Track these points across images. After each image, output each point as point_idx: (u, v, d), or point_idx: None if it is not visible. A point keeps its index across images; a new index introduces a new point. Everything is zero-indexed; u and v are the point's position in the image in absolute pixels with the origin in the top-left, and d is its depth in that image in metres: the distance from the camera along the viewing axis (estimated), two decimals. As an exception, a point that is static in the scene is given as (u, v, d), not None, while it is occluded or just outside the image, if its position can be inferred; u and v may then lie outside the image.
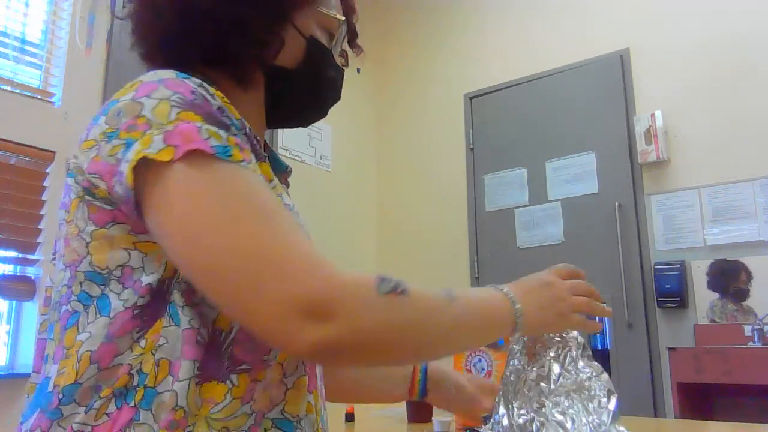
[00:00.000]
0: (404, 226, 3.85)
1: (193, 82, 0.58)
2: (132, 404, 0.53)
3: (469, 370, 1.25)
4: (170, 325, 0.55)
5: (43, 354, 0.61)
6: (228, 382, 0.56)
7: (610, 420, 0.65)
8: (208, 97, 0.58)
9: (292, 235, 0.52)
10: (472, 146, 3.65)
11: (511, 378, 0.72)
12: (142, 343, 0.55)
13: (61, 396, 0.53)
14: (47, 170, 2.34)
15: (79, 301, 0.57)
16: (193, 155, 0.52)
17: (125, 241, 0.56)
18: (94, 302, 0.56)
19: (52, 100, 2.43)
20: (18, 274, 2.26)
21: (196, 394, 0.54)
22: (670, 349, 2.56)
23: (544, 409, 0.66)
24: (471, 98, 3.70)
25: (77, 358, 0.54)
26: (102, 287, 0.56)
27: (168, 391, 0.54)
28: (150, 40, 0.70)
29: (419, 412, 1.39)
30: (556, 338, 0.72)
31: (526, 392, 0.69)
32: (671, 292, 2.78)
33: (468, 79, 3.73)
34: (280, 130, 3.31)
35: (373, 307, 0.52)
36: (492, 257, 3.44)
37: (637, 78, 3.12)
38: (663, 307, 2.83)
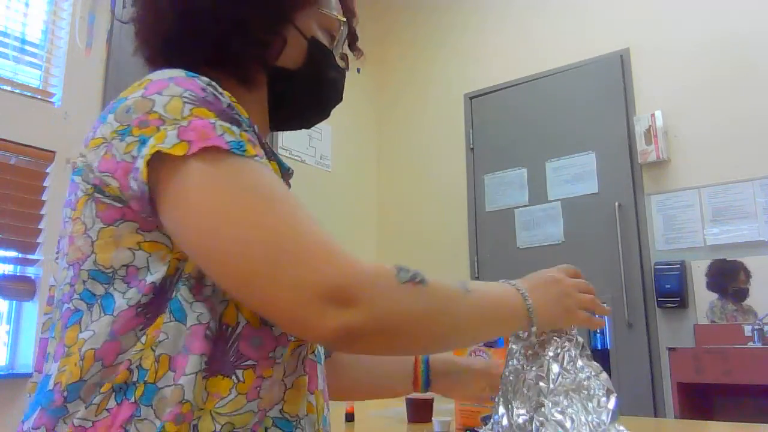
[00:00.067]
0: (404, 226, 3.85)
1: (202, 81, 0.59)
2: (132, 400, 0.53)
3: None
4: (171, 321, 0.55)
5: (45, 353, 0.61)
6: (233, 377, 0.56)
7: (609, 419, 0.65)
8: (218, 95, 0.59)
9: (310, 225, 0.53)
10: (472, 146, 3.65)
11: (511, 378, 0.72)
12: (143, 339, 0.55)
13: (66, 394, 0.54)
14: (47, 170, 2.34)
15: (82, 299, 0.57)
16: (209, 151, 0.53)
17: (131, 240, 0.57)
18: (99, 301, 0.56)
19: (52, 100, 2.43)
20: (18, 274, 2.27)
21: (203, 388, 0.54)
22: (670, 349, 2.56)
23: (543, 409, 0.66)
24: (471, 98, 3.70)
25: (80, 356, 0.54)
26: (106, 286, 0.56)
27: (169, 386, 0.54)
28: (153, 43, 0.71)
29: (419, 412, 1.39)
30: (555, 338, 0.72)
31: (526, 392, 0.69)
32: (671, 292, 2.78)
33: (468, 79, 3.73)
34: (280, 130, 3.31)
35: (394, 294, 0.53)
36: (492, 257, 3.44)
37: (637, 78, 3.12)
38: (663, 307, 2.83)
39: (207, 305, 0.56)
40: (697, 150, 2.90)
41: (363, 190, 3.96)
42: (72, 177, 0.62)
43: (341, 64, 0.79)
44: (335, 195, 3.66)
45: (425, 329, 0.56)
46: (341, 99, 0.80)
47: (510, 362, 0.74)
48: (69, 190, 0.62)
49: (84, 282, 0.57)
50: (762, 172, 2.71)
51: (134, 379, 0.54)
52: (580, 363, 0.70)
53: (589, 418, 0.65)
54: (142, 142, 0.54)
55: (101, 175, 0.57)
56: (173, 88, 0.57)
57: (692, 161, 2.90)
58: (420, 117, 3.93)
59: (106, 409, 0.53)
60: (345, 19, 0.77)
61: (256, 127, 0.62)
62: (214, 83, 0.60)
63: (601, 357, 2.95)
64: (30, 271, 2.28)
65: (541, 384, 0.68)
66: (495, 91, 3.61)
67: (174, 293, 0.56)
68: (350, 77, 0.83)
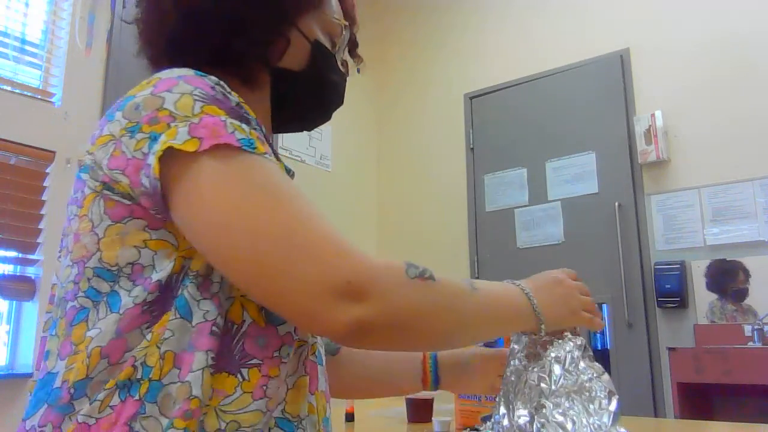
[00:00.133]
0: (404, 226, 3.85)
1: (211, 80, 0.59)
2: (137, 397, 0.53)
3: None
4: (176, 318, 0.55)
5: (45, 351, 0.60)
6: (239, 375, 0.57)
7: (610, 421, 0.65)
8: (227, 94, 0.59)
9: (320, 221, 0.54)
10: (472, 146, 3.65)
11: (512, 378, 0.72)
12: (149, 336, 0.55)
13: (72, 391, 0.54)
14: (47, 170, 2.34)
15: (88, 297, 0.57)
16: (220, 148, 0.54)
17: (137, 238, 0.57)
18: (104, 299, 0.56)
19: (52, 100, 2.43)
20: (18, 274, 2.26)
21: (210, 385, 0.55)
22: (670, 349, 2.56)
23: (544, 410, 0.66)
24: (471, 98, 3.70)
25: (87, 353, 0.54)
26: (111, 284, 0.57)
27: (174, 383, 0.54)
28: (157, 43, 0.71)
29: (419, 412, 1.39)
30: (557, 339, 0.72)
31: (527, 393, 0.68)
32: (671, 292, 2.78)
33: (468, 79, 3.73)
34: (280, 130, 3.31)
35: (404, 289, 0.54)
36: (492, 257, 3.44)
37: (637, 78, 3.12)
38: (663, 307, 2.83)
39: (214, 302, 0.57)
40: (697, 150, 2.90)
41: (363, 190, 3.95)
42: (78, 174, 0.62)
43: (342, 68, 0.80)
44: (335, 195, 3.66)
45: (433, 324, 0.57)
46: (342, 102, 0.81)
47: (512, 362, 0.73)
48: (74, 187, 0.62)
49: (89, 280, 0.57)
50: (762, 172, 2.71)
51: (138, 376, 0.54)
52: (582, 364, 0.69)
53: (591, 420, 0.65)
54: (153, 138, 0.55)
55: (111, 172, 0.57)
56: (183, 86, 0.57)
57: (692, 161, 2.90)
58: (420, 117, 3.93)
59: (110, 406, 0.53)
60: (347, 23, 0.78)
61: (263, 127, 0.63)
62: (222, 82, 0.60)
63: (601, 357, 2.95)
64: (30, 271, 2.28)
65: (543, 385, 0.68)
66: (495, 91, 3.61)
67: (180, 291, 0.56)
68: (350, 77, 0.84)
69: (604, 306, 3.04)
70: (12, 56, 2.34)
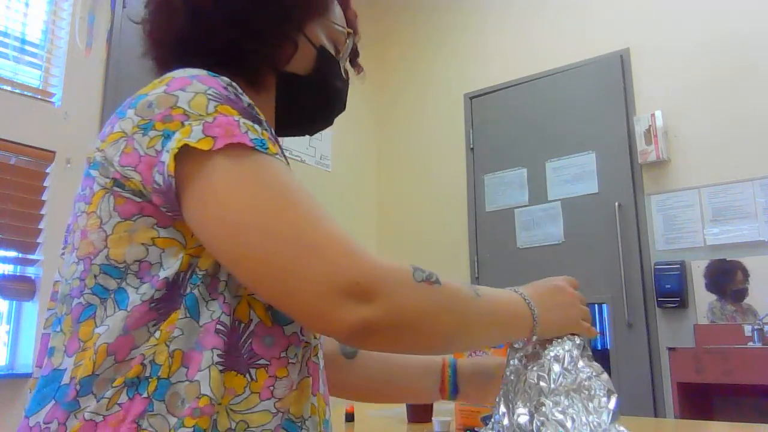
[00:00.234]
0: (404, 226, 3.85)
1: (223, 80, 0.60)
2: (145, 395, 0.53)
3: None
4: (185, 317, 0.56)
5: (47, 348, 0.60)
6: (247, 375, 0.57)
7: (610, 419, 0.65)
8: (240, 95, 0.60)
9: (329, 222, 0.54)
10: (472, 146, 3.65)
11: (512, 377, 0.72)
12: (157, 334, 0.55)
13: (78, 388, 0.54)
14: (47, 170, 2.34)
15: (94, 294, 0.57)
16: (233, 147, 0.54)
17: (145, 236, 0.57)
18: (112, 296, 0.56)
19: (52, 100, 2.43)
20: (18, 274, 2.27)
21: (221, 383, 0.55)
22: (670, 349, 2.56)
23: (544, 409, 0.66)
24: (471, 98, 3.70)
25: (94, 350, 0.54)
26: (119, 281, 0.57)
27: (182, 382, 0.54)
28: (165, 42, 0.72)
29: (419, 412, 1.39)
30: (557, 338, 0.72)
31: (527, 392, 0.69)
32: (671, 292, 2.78)
33: (468, 79, 3.73)
34: (280, 130, 3.32)
35: (411, 292, 0.54)
36: (492, 257, 3.44)
37: (637, 78, 3.12)
38: (663, 307, 2.83)
39: (220, 301, 0.57)
40: (697, 150, 2.90)
41: (363, 190, 3.96)
42: (87, 171, 0.62)
43: (345, 75, 0.81)
44: (335, 195, 3.66)
45: (437, 327, 0.57)
46: (344, 108, 0.83)
47: (511, 362, 0.74)
48: (82, 184, 0.62)
49: (95, 276, 0.57)
50: (762, 172, 2.71)
51: (147, 374, 0.54)
52: (581, 363, 0.70)
53: (590, 418, 0.65)
54: (166, 136, 0.55)
55: (123, 169, 0.57)
56: (197, 85, 0.58)
57: (692, 161, 2.91)
58: (420, 117, 3.93)
59: (118, 404, 0.53)
60: (352, 31, 0.80)
61: (271, 129, 0.64)
62: (234, 83, 0.61)
63: (601, 357, 2.95)
64: (30, 271, 2.28)
65: (542, 384, 0.68)
66: (495, 91, 3.61)
67: (188, 289, 0.56)
68: (350, 78, 0.84)
69: (604, 306, 3.04)
70: (12, 56, 2.34)
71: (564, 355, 0.70)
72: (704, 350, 2.44)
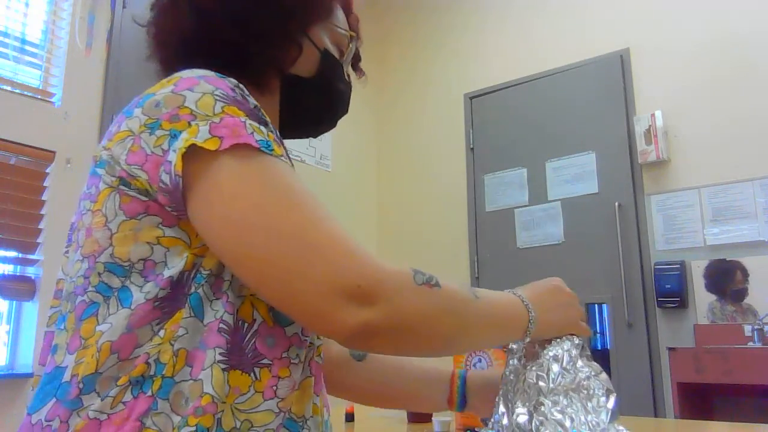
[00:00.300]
0: (404, 226, 3.85)
1: (231, 81, 0.60)
2: (149, 393, 0.54)
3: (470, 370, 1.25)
4: (190, 316, 0.56)
5: (51, 346, 0.61)
6: (252, 374, 0.57)
7: (608, 419, 0.65)
8: (246, 96, 0.60)
9: (333, 224, 0.55)
10: (472, 146, 3.65)
11: (511, 377, 0.72)
12: (161, 333, 0.55)
13: (81, 386, 0.54)
14: (47, 170, 2.34)
15: (98, 292, 0.57)
16: (239, 148, 0.55)
17: (150, 234, 0.57)
18: (115, 294, 0.57)
19: (52, 100, 2.43)
20: (18, 274, 2.27)
21: (225, 381, 0.55)
22: (670, 349, 2.56)
23: (543, 408, 0.66)
24: (471, 98, 3.70)
25: (97, 348, 0.54)
26: (123, 279, 0.57)
27: (186, 381, 0.54)
28: (170, 44, 0.72)
29: (419, 412, 1.39)
30: (556, 338, 0.72)
31: (526, 391, 0.69)
32: (671, 292, 2.78)
33: (468, 79, 3.73)
34: (280, 130, 3.33)
35: (411, 295, 0.55)
36: (492, 257, 3.44)
37: (637, 78, 3.12)
38: (663, 307, 2.83)
39: (224, 300, 0.57)
40: (697, 150, 2.90)
41: (363, 190, 3.96)
42: (93, 169, 0.62)
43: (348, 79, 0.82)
44: (335, 195, 3.66)
45: (436, 329, 0.58)
46: (347, 111, 0.83)
47: (510, 361, 0.74)
48: (88, 182, 0.63)
49: (99, 274, 0.57)
50: (762, 172, 2.71)
51: (151, 373, 0.54)
52: (580, 363, 0.70)
53: (589, 418, 0.65)
54: (173, 135, 0.56)
55: (129, 167, 0.57)
56: (204, 85, 0.58)
57: (692, 161, 2.91)
58: (420, 117, 3.93)
59: (122, 402, 0.53)
60: (355, 34, 0.81)
61: (277, 131, 0.64)
62: (241, 85, 0.61)
63: (601, 357, 2.95)
64: (30, 271, 2.28)
65: (541, 383, 0.68)
66: (495, 91, 3.61)
67: (193, 289, 0.57)
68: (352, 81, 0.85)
69: (604, 306, 3.04)
70: (12, 56, 2.34)
71: (563, 355, 0.70)
72: (704, 350, 2.44)
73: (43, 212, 2.30)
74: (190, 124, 0.55)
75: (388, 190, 4.00)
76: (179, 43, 0.71)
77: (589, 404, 0.67)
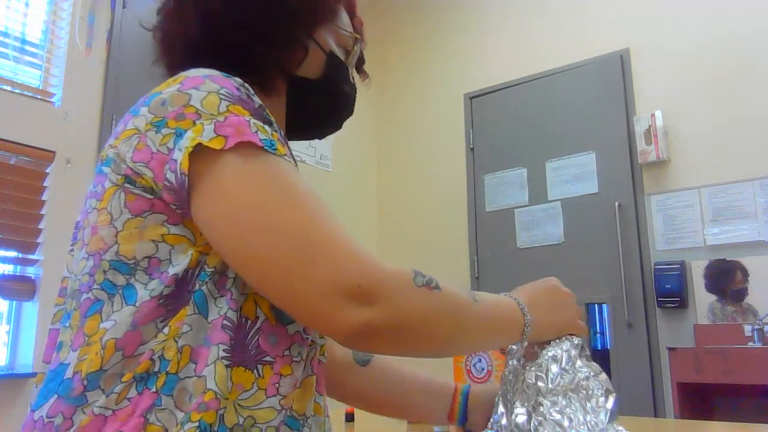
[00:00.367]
0: (404, 226, 3.85)
1: (236, 81, 0.61)
2: (153, 390, 0.54)
3: (469, 371, 1.25)
4: (194, 313, 0.56)
5: (55, 343, 0.61)
6: (255, 371, 0.57)
7: (608, 419, 0.65)
8: (251, 95, 0.61)
9: (335, 223, 0.55)
10: (472, 146, 3.65)
11: (510, 378, 0.72)
12: (166, 330, 0.56)
13: (86, 383, 0.54)
14: (47, 170, 2.34)
15: (103, 289, 0.57)
16: (243, 146, 0.55)
17: (155, 232, 0.58)
18: (120, 291, 0.57)
19: (52, 100, 2.43)
20: (18, 274, 2.27)
21: (227, 378, 0.55)
22: (670, 349, 2.56)
23: (541, 408, 0.67)
24: (471, 98, 3.70)
25: (101, 345, 0.55)
26: (127, 277, 0.57)
27: (190, 377, 0.55)
28: (176, 49, 0.73)
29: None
30: (555, 339, 0.72)
31: (525, 391, 0.69)
32: (671, 292, 2.78)
33: (468, 79, 3.73)
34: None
35: (411, 296, 0.55)
36: (492, 257, 3.44)
37: (637, 78, 3.12)
38: (663, 307, 2.83)
39: (228, 297, 0.57)
40: (697, 150, 2.90)
41: (363, 190, 3.96)
42: (100, 168, 0.63)
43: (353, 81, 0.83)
44: (335, 195, 3.66)
45: (436, 331, 0.58)
46: (352, 113, 0.84)
47: (510, 362, 0.74)
48: (94, 181, 0.63)
49: (105, 272, 0.58)
50: (762, 172, 2.71)
51: (156, 369, 0.55)
52: (579, 363, 0.70)
53: (588, 418, 0.65)
54: (179, 134, 0.56)
55: (135, 165, 0.58)
56: (210, 84, 0.59)
57: (692, 161, 2.90)
58: (420, 117, 3.93)
59: (127, 398, 0.54)
60: (360, 36, 0.81)
61: (281, 131, 0.65)
62: (246, 84, 0.62)
63: (601, 357, 2.95)
64: (30, 271, 2.28)
65: (540, 384, 0.68)
66: (495, 91, 3.61)
67: (197, 286, 0.57)
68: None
69: (604, 306, 3.04)
70: (12, 56, 2.34)
71: (562, 355, 0.70)
72: (704, 350, 2.44)
73: (43, 212, 2.30)
74: (195, 123, 0.56)
75: (388, 190, 4.00)
76: (185, 46, 0.71)
77: (588, 404, 0.67)
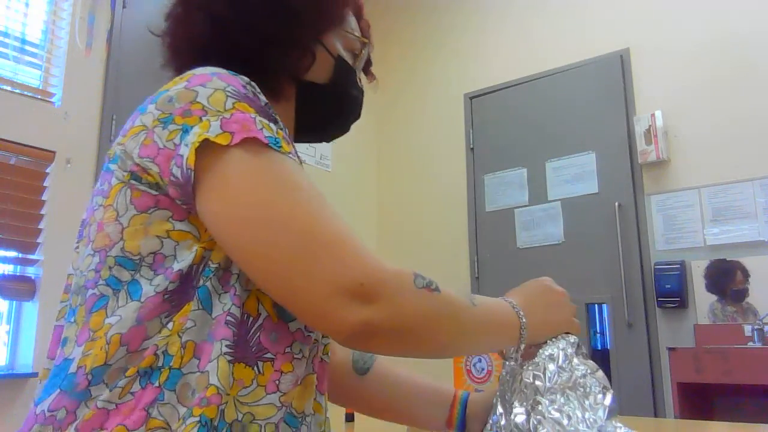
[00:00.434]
0: (404, 226, 3.85)
1: (242, 79, 0.62)
2: (156, 384, 0.54)
3: (470, 371, 1.25)
4: (198, 309, 0.56)
5: (60, 339, 0.61)
6: (255, 368, 0.58)
7: (606, 416, 0.66)
8: (258, 94, 0.62)
9: (338, 222, 0.56)
10: (472, 146, 3.65)
11: (508, 377, 0.72)
12: (170, 325, 0.56)
13: (90, 377, 0.54)
14: (47, 170, 2.34)
15: (108, 285, 0.58)
16: (249, 143, 0.56)
17: (160, 228, 0.58)
18: (125, 287, 0.57)
19: (52, 100, 2.43)
20: (18, 274, 2.27)
21: (229, 374, 0.55)
22: (670, 349, 2.56)
23: (540, 407, 0.67)
24: (471, 98, 3.70)
25: (106, 340, 0.55)
26: (132, 273, 0.58)
27: (193, 372, 0.55)
28: (184, 53, 0.73)
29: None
30: (551, 338, 0.72)
31: (523, 391, 0.69)
32: (671, 292, 2.78)
33: (468, 79, 3.73)
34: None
35: (412, 297, 0.55)
36: (492, 257, 3.44)
37: (637, 78, 3.12)
38: (663, 307, 2.83)
39: (232, 293, 0.58)
40: (697, 150, 2.90)
41: (363, 190, 3.96)
42: (107, 165, 0.63)
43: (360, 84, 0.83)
44: (335, 195, 3.66)
45: (435, 332, 0.58)
46: (360, 116, 0.84)
47: (507, 362, 0.74)
48: (101, 179, 0.64)
49: (110, 268, 0.58)
50: (762, 172, 2.71)
51: (159, 364, 0.55)
52: (575, 361, 0.70)
53: (586, 415, 0.66)
54: (185, 130, 0.57)
55: (142, 160, 0.58)
56: (216, 81, 0.60)
57: (692, 161, 2.90)
58: (420, 117, 3.93)
59: (130, 393, 0.54)
60: (367, 40, 0.81)
61: (287, 130, 0.65)
62: (253, 83, 0.62)
63: (601, 357, 2.95)
64: (30, 271, 2.28)
65: (538, 383, 0.68)
66: (495, 91, 3.61)
67: (201, 282, 0.57)
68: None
69: (604, 306, 3.04)
70: (12, 56, 2.34)
71: (558, 354, 0.70)
72: (704, 350, 2.43)
73: (43, 212, 2.31)
74: (201, 119, 0.56)
75: (388, 190, 4.00)
76: (194, 51, 0.72)
77: (586, 402, 0.67)
